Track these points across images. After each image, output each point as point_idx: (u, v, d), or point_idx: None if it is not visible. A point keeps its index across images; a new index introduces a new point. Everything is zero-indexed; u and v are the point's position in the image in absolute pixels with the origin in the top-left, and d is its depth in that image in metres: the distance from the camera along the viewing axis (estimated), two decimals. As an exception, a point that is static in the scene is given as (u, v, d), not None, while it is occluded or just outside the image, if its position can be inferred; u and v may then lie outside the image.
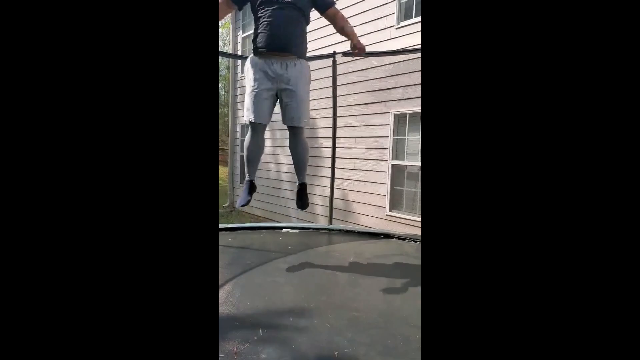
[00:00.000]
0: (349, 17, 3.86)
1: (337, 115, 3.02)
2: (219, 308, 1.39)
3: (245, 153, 1.64)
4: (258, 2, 1.51)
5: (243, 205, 1.64)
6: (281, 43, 1.48)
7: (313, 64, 3.69)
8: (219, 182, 9.56)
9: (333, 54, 3.04)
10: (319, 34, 4.28)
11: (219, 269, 1.84)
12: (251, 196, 1.68)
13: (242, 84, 5.90)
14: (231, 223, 2.90)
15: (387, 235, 2.61)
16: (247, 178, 1.69)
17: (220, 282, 1.67)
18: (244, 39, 5.86)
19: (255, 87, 1.49)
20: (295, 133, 1.61)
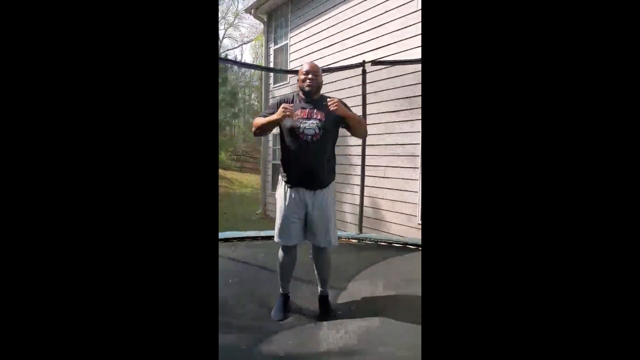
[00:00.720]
0: (378, 26, 3.88)
1: (367, 122, 3.03)
2: (252, 317, 1.43)
3: (278, 269, 1.66)
4: (288, 128, 1.53)
5: (279, 320, 1.57)
6: (309, 180, 1.54)
7: (343, 74, 3.71)
8: (252, 189, 9.79)
9: (362, 63, 3.06)
10: (350, 44, 4.33)
11: (253, 280, 1.88)
12: (287, 312, 1.62)
13: (274, 95, 6.05)
14: (263, 230, 2.97)
15: (419, 247, 2.56)
16: (281, 291, 1.68)
17: (253, 293, 1.71)
18: (275, 50, 6.03)
19: (285, 212, 1.58)
20: (320, 251, 1.63)
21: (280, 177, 1.63)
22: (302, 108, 1.54)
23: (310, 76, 1.56)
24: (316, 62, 1.65)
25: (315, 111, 1.54)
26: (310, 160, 1.52)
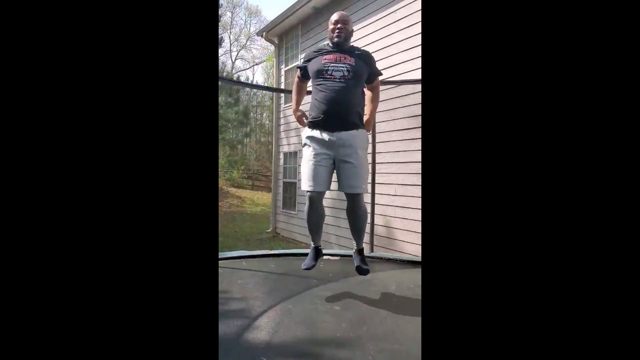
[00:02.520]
0: (390, 45, 3.94)
1: (377, 141, 3.04)
2: (262, 335, 1.41)
3: (307, 224, 1.60)
4: (316, 71, 1.51)
5: (306, 269, 1.65)
6: (338, 121, 1.47)
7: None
8: (263, 207, 9.83)
9: (372, 82, 3.10)
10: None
11: (264, 295, 1.88)
12: (316, 261, 1.67)
13: (286, 114, 6.14)
14: (273, 249, 2.96)
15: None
16: (312, 245, 1.68)
17: (263, 309, 1.70)
18: (286, 72, 6.17)
19: (313, 155, 1.48)
20: (354, 199, 1.54)
21: (307, 124, 1.55)
22: (330, 54, 1.50)
23: (339, 25, 1.50)
24: (345, 13, 1.62)
25: (344, 56, 1.48)
26: (339, 100, 1.44)
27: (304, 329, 1.47)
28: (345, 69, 1.45)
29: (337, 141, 1.46)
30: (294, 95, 1.69)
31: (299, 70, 1.63)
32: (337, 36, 1.50)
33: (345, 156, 1.46)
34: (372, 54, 1.64)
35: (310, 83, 1.59)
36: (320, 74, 1.47)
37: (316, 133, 1.49)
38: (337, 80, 1.44)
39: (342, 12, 1.60)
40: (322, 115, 1.46)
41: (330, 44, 1.54)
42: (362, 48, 1.62)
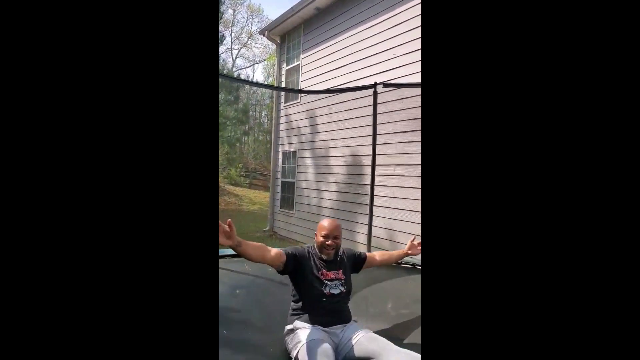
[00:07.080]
0: (388, 49, 3.95)
1: (377, 142, 3.05)
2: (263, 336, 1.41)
3: None
4: (313, 286, 1.48)
5: None
6: (337, 317, 1.49)
7: (354, 94, 3.75)
8: (260, 206, 9.82)
9: (374, 85, 3.10)
10: (359, 66, 4.40)
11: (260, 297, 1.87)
12: None
13: (287, 112, 6.15)
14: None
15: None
16: None
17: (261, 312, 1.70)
18: (287, 71, 6.17)
19: (311, 338, 1.36)
20: None
21: (295, 322, 1.47)
22: (325, 269, 1.53)
23: (330, 242, 1.52)
24: (336, 222, 1.61)
25: (337, 273, 1.55)
26: (336, 308, 1.51)
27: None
28: (340, 284, 1.54)
29: (339, 334, 1.46)
30: (251, 252, 1.41)
31: (284, 256, 1.47)
32: (327, 254, 1.53)
33: (353, 342, 1.40)
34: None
35: (292, 284, 1.55)
36: (318, 290, 1.49)
37: (311, 327, 1.43)
38: (335, 296, 1.51)
39: (334, 221, 1.61)
40: (318, 318, 1.46)
41: (324, 257, 1.54)
42: (341, 251, 1.66)
